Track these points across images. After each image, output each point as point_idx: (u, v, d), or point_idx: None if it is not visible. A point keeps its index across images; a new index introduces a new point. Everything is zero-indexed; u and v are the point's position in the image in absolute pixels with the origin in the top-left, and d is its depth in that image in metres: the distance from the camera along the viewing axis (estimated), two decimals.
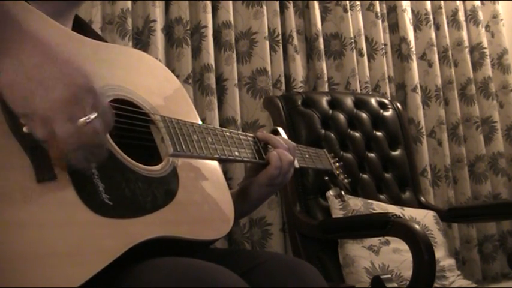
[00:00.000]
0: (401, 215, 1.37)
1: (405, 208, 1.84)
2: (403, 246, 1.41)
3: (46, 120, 0.58)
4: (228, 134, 0.93)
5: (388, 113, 2.06)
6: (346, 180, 1.26)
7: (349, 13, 2.25)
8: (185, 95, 0.98)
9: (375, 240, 1.64)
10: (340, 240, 1.67)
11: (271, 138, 1.01)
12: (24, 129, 0.60)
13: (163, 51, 1.90)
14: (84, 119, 0.60)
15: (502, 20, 2.63)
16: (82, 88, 0.60)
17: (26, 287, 0.55)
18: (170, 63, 1.92)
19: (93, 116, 0.60)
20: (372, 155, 1.97)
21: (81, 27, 0.94)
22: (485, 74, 2.54)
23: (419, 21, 2.48)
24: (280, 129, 1.08)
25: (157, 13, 1.87)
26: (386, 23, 2.40)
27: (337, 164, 1.26)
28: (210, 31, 1.95)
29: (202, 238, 0.78)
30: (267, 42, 2.05)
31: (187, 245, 0.77)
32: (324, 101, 1.94)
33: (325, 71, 2.16)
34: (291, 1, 2.16)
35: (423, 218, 1.81)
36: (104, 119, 0.63)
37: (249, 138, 0.98)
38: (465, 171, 2.39)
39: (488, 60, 2.55)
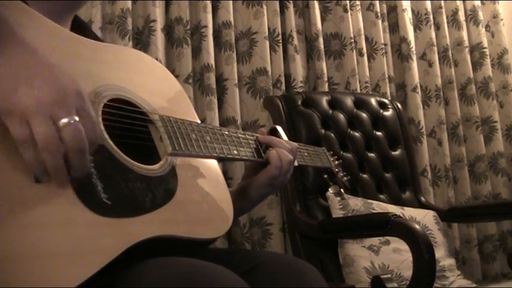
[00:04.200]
0: (401, 215, 1.37)
1: (405, 208, 1.84)
2: (403, 246, 1.41)
3: (25, 117, 0.56)
4: (226, 132, 0.92)
5: (388, 113, 2.06)
6: (345, 178, 1.26)
7: (349, 13, 2.24)
8: (184, 95, 0.98)
9: (375, 240, 1.64)
10: (340, 240, 1.66)
11: (273, 141, 1.00)
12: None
13: (163, 51, 1.90)
14: (66, 119, 0.57)
15: (502, 20, 2.62)
16: (69, 91, 0.59)
17: (26, 287, 0.55)
18: (170, 63, 1.92)
19: (76, 118, 0.58)
20: (372, 154, 1.97)
21: (80, 27, 0.94)
22: (485, 74, 2.53)
23: (419, 21, 2.48)
24: (279, 128, 1.07)
25: (158, 13, 1.87)
26: (386, 23, 2.40)
27: (336, 162, 1.25)
28: (210, 31, 1.95)
29: (201, 237, 0.78)
30: (267, 42, 2.05)
31: (186, 244, 0.77)
32: (324, 101, 1.94)
33: (325, 71, 2.16)
34: (291, 1, 2.15)
35: (423, 218, 1.80)
36: (88, 126, 0.60)
37: (248, 137, 0.98)
38: (465, 171, 2.39)
39: (488, 60, 2.55)
